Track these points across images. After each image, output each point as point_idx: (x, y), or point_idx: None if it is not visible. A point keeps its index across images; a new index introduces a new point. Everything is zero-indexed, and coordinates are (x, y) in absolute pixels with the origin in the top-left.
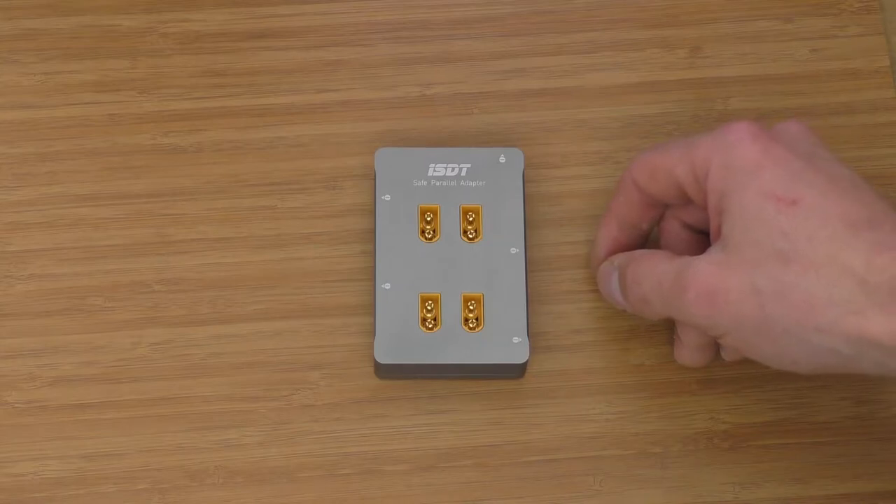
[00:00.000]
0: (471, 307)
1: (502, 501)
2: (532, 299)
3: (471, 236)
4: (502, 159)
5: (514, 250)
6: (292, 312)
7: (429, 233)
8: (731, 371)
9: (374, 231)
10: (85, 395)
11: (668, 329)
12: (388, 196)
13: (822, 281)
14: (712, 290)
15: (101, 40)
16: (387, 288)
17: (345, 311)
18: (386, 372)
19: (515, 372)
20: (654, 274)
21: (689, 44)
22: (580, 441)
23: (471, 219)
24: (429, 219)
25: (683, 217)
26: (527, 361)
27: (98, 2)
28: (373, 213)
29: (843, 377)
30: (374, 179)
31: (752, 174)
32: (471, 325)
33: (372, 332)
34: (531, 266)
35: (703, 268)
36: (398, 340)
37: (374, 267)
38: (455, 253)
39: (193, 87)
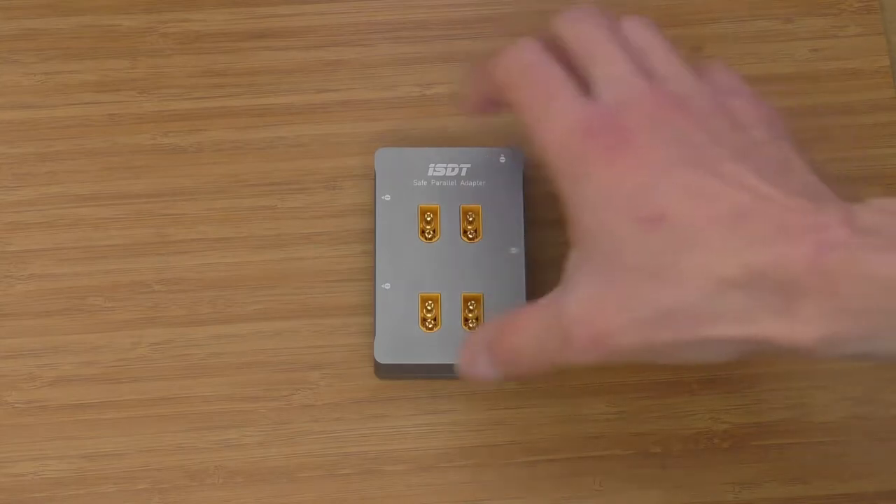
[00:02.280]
0: (471, 307)
1: (502, 501)
2: (532, 299)
3: (471, 236)
4: (502, 159)
5: (513, 250)
6: (292, 312)
7: (429, 233)
8: (731, 371)
9: (374, 231)
10: (85, 395)
11: None
12: (388, 196)
13: (701, 295)
14: (596, 335)
15: (101, 40)
16: (387, 288)
17: (345, 311)
18: (386, 372)
19: None
20: (531, 339)
21: (689, 44)
22: (580, 441)
23: (471, 219)
24: (429, 219)
25: None
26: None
27: (98, 2)
28: (373, 213)
29: (844, 377)
30: (374, 179)
31: (609, 189)
32: (471, 325)
33: (372, 332)
34: (531, 266)
35: (578, 312)
36: (398, 340)
37: (374, 267)
38: (455, 253)
39: (193, 87)
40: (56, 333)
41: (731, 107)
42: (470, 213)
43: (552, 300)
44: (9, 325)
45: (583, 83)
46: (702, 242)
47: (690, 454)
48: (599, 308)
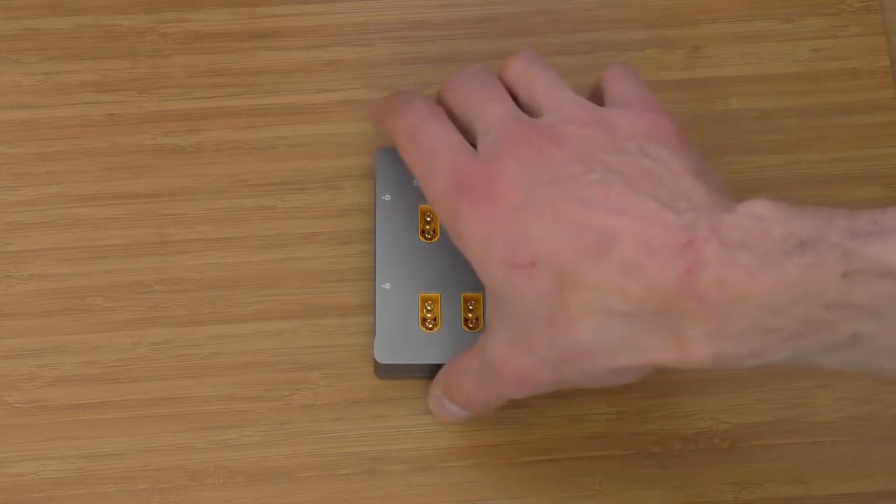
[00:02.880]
0: (470, 307)
1: (502, 501)
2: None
3: None
4: None
5: None
6: (292, 312)
7: (429, 233)
8: (730, 371)
9: (373, 231)
10: (85, 395)
11: None
12: (388, 196)
13: (591, 331)
14: (517, 374)
15: (101, 40)
16: (387, 288)
17: (345, 311)
18: (386, 372)
19: None
20: (474, 381)
21: (689, 44)
22: (580, 441)
23: None
24: (429, 219)
25: None
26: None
27: (98, 2)
28: (373, 213)
29: (844, 377)
30: (374, 179)
31: (487, 246)
32: (471, 325)
33: (372, 332)
34: None
35: (498, 354)
36: (398, 340)
37: (374, 267)
38: (455, 253)
39: (193, 87)
40: (56, 333)
41: (612, 123)
42: None
43: (480, 346)
44: (9, 325)
45: (467, 133)
46: (576, 279)
47: (690, 454)
48: (512, 351)
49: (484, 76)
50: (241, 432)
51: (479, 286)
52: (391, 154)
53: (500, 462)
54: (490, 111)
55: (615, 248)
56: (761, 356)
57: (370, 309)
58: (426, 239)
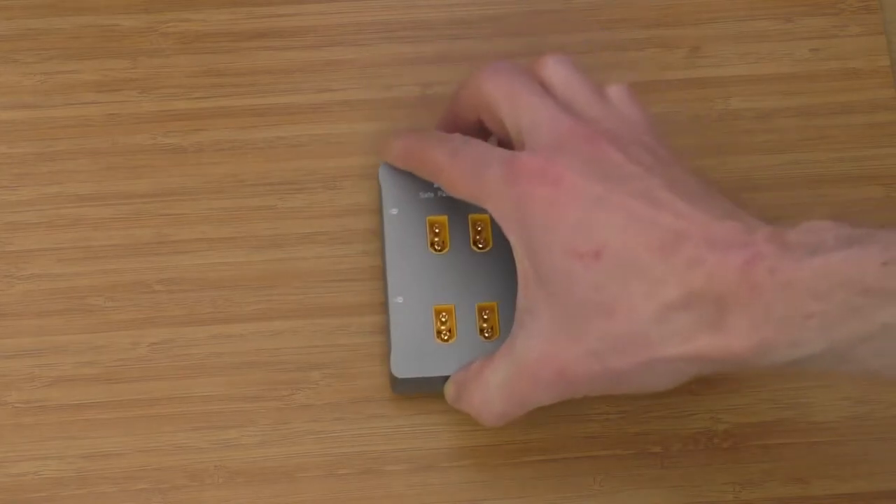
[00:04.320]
0: (485, 316)
1: (502, 501)
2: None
3: (481, 246)
4: None
5: None
6: (292, 312)
7: (438, 245)
8: (731, 371)
9: (382, 245)
10: (85, 395)
11: None
12: (395, 210)
13: (648, 321)
14: (559, 369)
15: (101, 40)
16: (400, 302)
17: (345, 311)
18: (403, 386)
19: None
20: (497, 389)
21: (689, 44)
22: (580, 441)
23: (479, 228)
24: (437, 230)
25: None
26: None
27: (98, 2)
28: (373, 213)
29: (844, 377)
30: (380, 194)
31: (548, 230)
32: (486, 335)
33: (373, 332)
34: None
35: (538, 351)
36: (414, 354)
37: (385, 281)
38: (466, 263)
39: (193, 87)
40: (56, 333)
41: (643, 139)
42: (478, 223)
43: (509, 349)
44: (9, 325)
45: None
46: (642, 271)
47: (690, 454)
48: (556, 344)
49: (524, 72)
50: (241, 432)
51: (492, 295)
52: (396, 168)
53: (500, 462)
54: (541, 106)
55: (682, 248)
56: (800, 346)
57: (370, 309)
58: (436, 250)
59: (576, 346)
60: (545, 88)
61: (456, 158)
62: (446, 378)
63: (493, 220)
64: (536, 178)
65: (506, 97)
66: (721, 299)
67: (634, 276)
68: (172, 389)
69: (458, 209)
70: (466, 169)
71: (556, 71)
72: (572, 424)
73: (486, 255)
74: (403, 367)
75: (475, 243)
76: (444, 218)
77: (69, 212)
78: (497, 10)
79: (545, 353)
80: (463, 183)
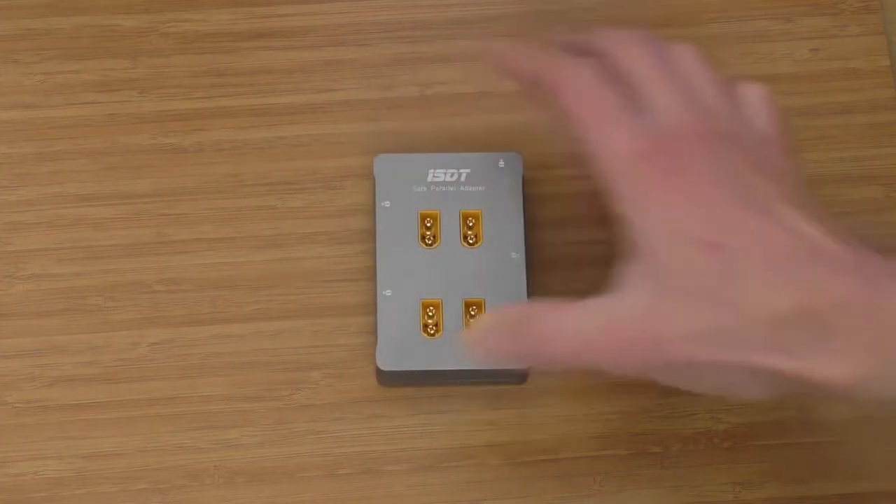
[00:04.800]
0: (472, 312)
1: (502, 501)
2: (532, 300)
3: (471, 241)
4: (501, 164)
5: (514, 255)
6: (292, 312)
7: (429, 239)
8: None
9: (374, 234)
10: (85, 395)
11: None
12: (387, 202)
13: (754, 324)
14: (656, 339)
15: (101, 40)
16: (388, 294)
17: (345, 311)
18: (388, 379)
19: (517, 377)
20: (574, 334)
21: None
22: (580, 441)
23: (471, 224)
24: (429, 224)
25: None
26: (529, 367)
27: (98, 2)
28: (372, 213)
29: None
30: (374, 186)
31: (669, 219)
32: None
33: (371, 332)
34: (531, 267)
35: (640, 317)
36: (400, 347)
37: (375, 273)
38: (456, 258)
39: (193, 87)
40: (56, 333)
41: (766, 152)
42: (470, 219)
43: (605, 303)
44: (9, 325)
45: (632, 102)
46: (758, 276)
47: (690, 454)
48: (660, 316)
49: (658, 48)
50: (241, 432)
51: (480, 291)
52: (390, 160)
53: (500, 462)
54: (670, 90)
55: (799, 263)
56: None
57: (370, 309)
58: (427, 245)
59: (679, 326)
60: (674, 74)
61: (581, 101)
62: (431, 372)
63: (484, 216)
64: (663, 158)
65: (636, 66)
66: (829, 322)
67: (749, 279)
68: (172, 389)
69: (451, 203)
70: (589, 118)
71: (686, 61)
72: (572, 424)
73: (476, 250)
74: (389, 361)
75: (466, 238)
76: (436, 212)
77: (69, 212)
78: (497, 10)
79: (646, 321)
80: (586, 132)
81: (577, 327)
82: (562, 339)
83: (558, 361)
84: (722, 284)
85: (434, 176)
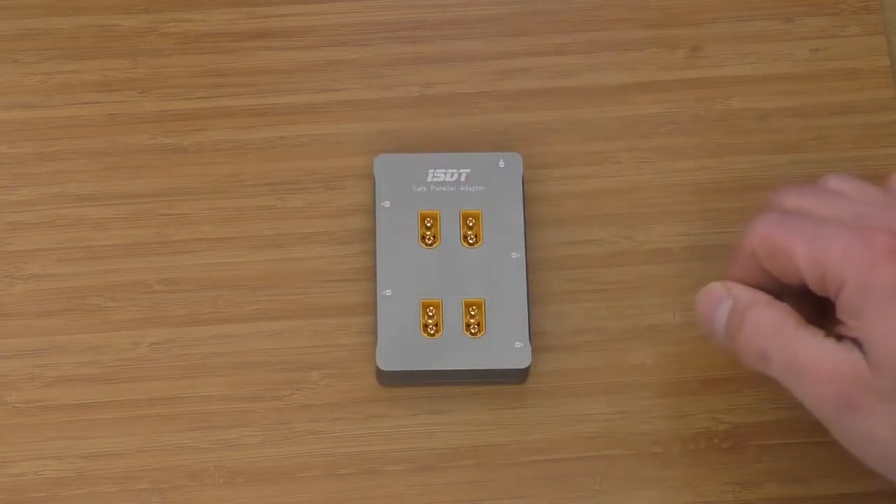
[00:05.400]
0: (472, 312)
1: (502, 501)
2: (532, 300)
3: (471, 241)
4: (501, 164)
5: (514, 255)
6: (292, 312)
7: (429, 238)
8: (731, 371)
9: (374, 235)
10: (85, 395)
11: (668, 329)
12: (387, 202)
13: None
14: (851, 400)
15: (101, 40)
16: (388, 294)
17: (345, 311)
18: (388, 379)
19: (518, 377)
20: (784, 341)
21: (689, 44)
22: (580, 441)
23: (471, 224)
24: (429, 224)
25: (797, 305)
26: (529, 366)
27: (98, 2)
28: (372, 213)
29: None
30: (374, 186)
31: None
32: (472, 331)
33: (372, 332)
34: (531, 266)
35: (847, 371)
36: (400, 347)
37: (375, 273)
38: (456, 258)
39: (193, 87)
40: (56, 333)
41: None
42: (470, 219)
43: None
44: (9, 325)
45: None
46: None
47: (690, 454)
48: (866, 386)
49: (811, 187)
50: (241, 432)
51: (480, 291)
52: (390, 160)
53: (500, 462)
54: (855, 207)
55: None
56: None
57: (370, 309)
58: (427, 245)
59: (884, 404)
60: (834, 201)
61: (808, 233)
62: (431, 372)
63: (484, 216)
64: (890, 256)
65: (800, 240)
66: None
67: None
68: (172, 389)
69: (451, 203)
70: (806, 224)
71: (842, 183)
72: (572, 424)
73: (477, 250)
74: (389, 361)
75: (466, 238)
76: (436, 212)
77: (69, 212)
78: (497, 10)
79: (851, 378)
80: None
81: (788, 343)
82: (767, 340)
83: (752, 356)
84: None
85: (434, 176)
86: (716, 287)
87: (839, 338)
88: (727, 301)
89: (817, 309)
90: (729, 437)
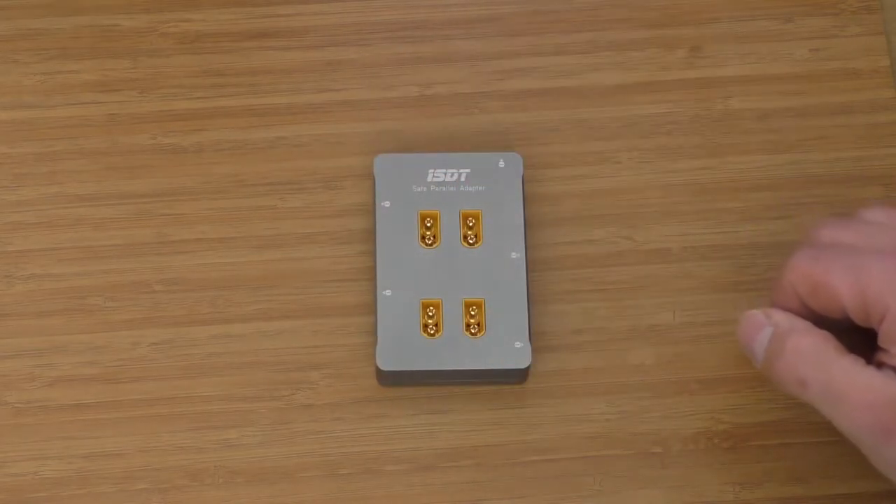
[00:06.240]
0: (472, 313)
1: (502, 501)
2: (532, 300)
3: (471, 241)
4: (501, 164)
5: (514, 255)
6: (292, 312)
7: (429, 238)
8: (731, 371)
9: (374, 237)
10: (85, 395)
11: (668, 329)
12: (387, 202)
13: None
14: (890, 428)
15: (101, 40)
16: (388, 294)
17: (345, 311)
18: (388, 379)
19: (518, 377)
20: (822, 368)
21: (688, 44)
22: (580, 441)
23: (471, 224)
24: (429, 224)
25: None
26: (529, 366)
27: (98, 2)
28: (372, 213)
29: None
30: (374, 186)
31: None
32: (472, 331)
33: (371, 332)
34: (531, 266)
35: (888, 399)
36: (400, 347)
37: (375, 273)
38: (456, 258)
39: (193, 87)
40: (56, 333)
41: None
42: (470, 219)
43: (855, 365)
44: (9, 325)
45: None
46: None
47: (690, 454)
48: None
49: (847, 219)
50: (241, 432)
51: (480, 291)
52: (390, 160)
53: (500, 462)
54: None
55: None
56: None
57: (370, 309)
58: (427, 245)
59: None
60: (871, 231)
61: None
62: (431, 372)
63: (484, 216)
64: None
65: (839, 273)
66: None
67: None
68: (172, 389)
69: (451, 203)
70: (844, 257)
71: (877, 213)
72: (572, 424)
73: (477, 250)
74: (389, 361)
75: (466, 238)
76: (436, 212)
77: (69, 212)
78: (497, 10)
79: (890, 404)
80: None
81: (828, 370)
82: (805, 368)
83: (791, 383)
84: None
85: (434, 176)
86: (756, 314)
87: (880, 365)
88: (768, 328)
89: (864, 342)
90: (729, 437)
